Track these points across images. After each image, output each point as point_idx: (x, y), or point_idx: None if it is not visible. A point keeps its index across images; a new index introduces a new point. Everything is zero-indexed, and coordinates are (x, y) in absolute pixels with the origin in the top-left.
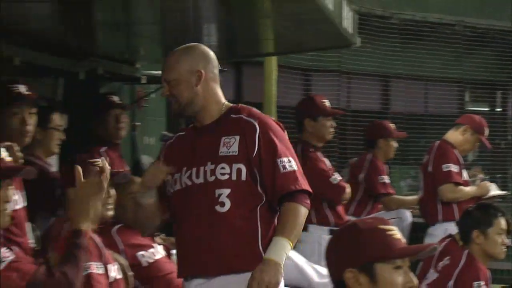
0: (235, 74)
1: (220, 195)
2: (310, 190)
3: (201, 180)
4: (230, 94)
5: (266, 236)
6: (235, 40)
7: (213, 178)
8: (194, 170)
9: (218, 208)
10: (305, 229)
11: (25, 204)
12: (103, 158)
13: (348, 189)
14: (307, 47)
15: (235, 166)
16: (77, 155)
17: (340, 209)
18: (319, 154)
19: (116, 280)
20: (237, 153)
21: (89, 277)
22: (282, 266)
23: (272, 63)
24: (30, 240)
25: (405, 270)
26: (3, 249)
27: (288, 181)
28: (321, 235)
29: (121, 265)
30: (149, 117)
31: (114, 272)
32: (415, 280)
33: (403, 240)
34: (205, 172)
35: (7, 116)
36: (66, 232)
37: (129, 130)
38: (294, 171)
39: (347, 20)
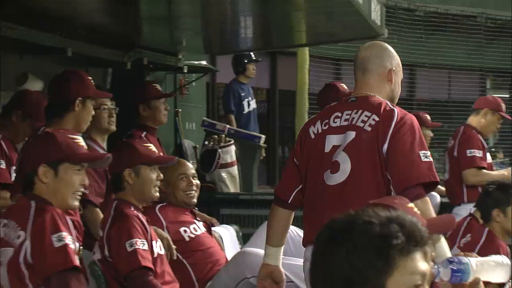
0: (270, 63)
1: None
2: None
3: None
4: (265, 82)
5: None
6: (270, 31)
7: None
8: None
9: None
10: None
11: None
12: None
13: None
14: (338, 38)
15: None
16: (121, 140)
17: None
18: None
19: (159, 255)
20: None
21: (135, 252)
22: None
23: (305, 53)
24: None
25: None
26: None
27: None
28: None
29: (165, 239)
30: (191, 104)
31: (158, 248)
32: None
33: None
34: None
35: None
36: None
37: (171, 117)
38: None
39: (375, 13)
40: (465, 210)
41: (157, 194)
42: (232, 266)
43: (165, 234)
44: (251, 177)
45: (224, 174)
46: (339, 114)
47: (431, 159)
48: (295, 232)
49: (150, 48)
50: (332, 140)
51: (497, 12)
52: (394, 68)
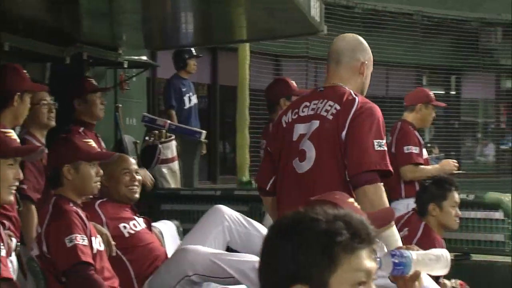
0: (211, 59)
1: None
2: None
3: None
4: (206, 78)
5: None
6: (210, 27)
7: None
8: None
9: None
10: None
11: None
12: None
13: None
14: (278, 34)
15: None
16: (60, 135)
17: None
18: None
19: (99, 251)
20: None
21: (74, 248)
22: None
23: (245, 49)
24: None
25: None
26: None
27: None
28: None
29: (104, 235)
30: (131, 99)
31: (97, 244)
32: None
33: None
34: None
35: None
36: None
37: (112, 112)
38: None
39: (315, 9)
40: (402, 205)
41: (98, 187)
42: (172, 264)
43: (105, 230)
44: (192, 173)
45: (164, 170)
46: (308, 104)
47: (385, 149)
48: (240, 223)
49: (90, 43)
50: (299, 129)
51: (434, 10)
52: (366, 62)
